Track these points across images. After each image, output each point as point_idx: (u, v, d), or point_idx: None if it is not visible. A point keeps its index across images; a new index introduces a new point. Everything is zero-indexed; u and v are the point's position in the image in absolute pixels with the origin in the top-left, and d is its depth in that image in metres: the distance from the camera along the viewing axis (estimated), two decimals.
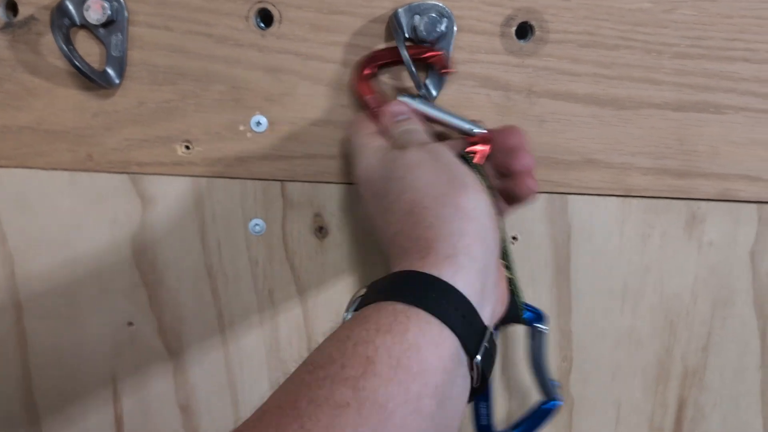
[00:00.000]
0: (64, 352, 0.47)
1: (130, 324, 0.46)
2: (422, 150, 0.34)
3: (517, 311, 0.37)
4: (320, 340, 0.45)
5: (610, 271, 0.45)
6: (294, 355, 0.47)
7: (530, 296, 0.45)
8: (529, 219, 0.44)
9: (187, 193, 0.44)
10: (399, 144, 0.36)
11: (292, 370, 0.44)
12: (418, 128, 0.37)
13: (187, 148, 0.43)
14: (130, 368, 0.47)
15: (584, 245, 0.44)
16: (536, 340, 0.41)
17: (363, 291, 0.29)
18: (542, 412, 0.44)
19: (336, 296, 0.45)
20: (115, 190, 0.44)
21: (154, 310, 0.46)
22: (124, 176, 0.44)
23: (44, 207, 0.45)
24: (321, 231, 0.44)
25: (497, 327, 0.38)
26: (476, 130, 0.39)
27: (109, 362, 0.47)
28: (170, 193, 0.44)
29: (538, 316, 0.41)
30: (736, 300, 0.45)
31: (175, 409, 0.48)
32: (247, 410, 0.46)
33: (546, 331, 0.41)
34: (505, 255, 0.37)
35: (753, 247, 0.44)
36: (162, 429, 0.49)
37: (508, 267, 0.37)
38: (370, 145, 0.36)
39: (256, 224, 0.44)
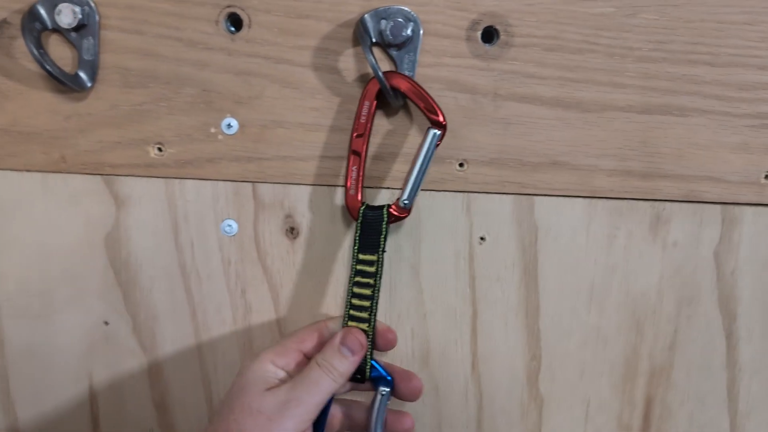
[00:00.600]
0: (40, 351, 0.48)
1: (106, 323, 0.48)
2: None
3: (364, 370, 0.40)
4: None
5: (576, 271, 0.46)
6: None
7: (498, 296, 0.47)
8: (497, 220, 0.45)
9: (159, 194, 0.45)
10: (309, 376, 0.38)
11: None
12: (346, 372, 0.39)
13: (160, 150, 0.44)
14: (106, 367, 0.49)
15: (551, 245, 0.46)
16: (379, 403, 0.41)
17: None
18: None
19: (307, 295, 0.47)
20: (89, 191, 0.45)
21: (129, 309, 0.48)
22: (98, 177, 0.45)
23: (18, 208, 0.46)
24: (292, 232, 0.46)
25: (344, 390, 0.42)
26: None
27: (84, 361, 0.49)
28: (143, 194, 0.45)
29: (384, 379, 0.41)
30: (701, 299, 0.47)
31: (150, 406, 0.50)
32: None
33: (388, 396, 0.41)
34: (370, 304, 0.41)
35: (717, 247, 0.46)
36: (138, 426, 0.50)
37: (370, 318, 0.41)
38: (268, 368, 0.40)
39: (228, 225, 0.45)
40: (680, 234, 0.46)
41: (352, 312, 0.41)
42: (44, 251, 0.46)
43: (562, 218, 0.45)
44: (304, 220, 0.46)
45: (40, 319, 0.48)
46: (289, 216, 0.46)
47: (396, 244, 0.46)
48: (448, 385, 0.48)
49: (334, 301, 0.47)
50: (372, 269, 0.41)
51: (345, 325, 0.41)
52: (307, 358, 0.41)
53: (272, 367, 0.39)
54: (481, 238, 0.46)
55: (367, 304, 0.41)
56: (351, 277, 0.41)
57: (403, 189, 0.40)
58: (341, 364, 0.39)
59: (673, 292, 0.47)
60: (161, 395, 0.49)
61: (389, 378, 0.41)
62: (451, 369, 0.48)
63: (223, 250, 0.46)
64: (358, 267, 0.41)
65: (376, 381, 0.41)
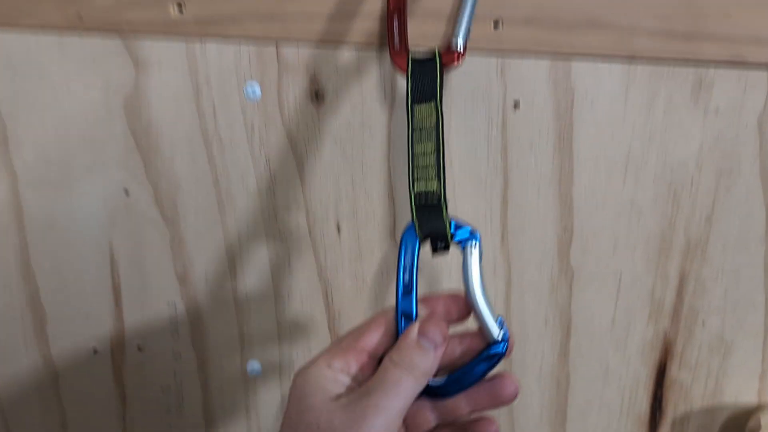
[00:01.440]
0: (59, 221, 0.56)
1: (126, 192, 0.55)
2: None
3: (443, 231, 0.40)
4: (317, 208, 0.54)
5: (613, 139, 0.53)
6: (291, 224, 0.56)
7: (531, 164, 0.53)
8: (532, 84, 0.51)
9: (180, 57, 0.52)
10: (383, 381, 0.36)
11: (289, 238, 0.53)
12: (430, 369, 0.38)
13: (180, 8, 0.50)
14: (127, 238, 0.57)
15: (587, 111, 0.52)
16: (471, 259, 0.40)
17: None
18: (482, 361, 0.40)
19: (333, 164, 0.54)
20: (107, 53, 0.52)
21: (150, 178, 0.55)
22: (116, 40, 0.51)
23: (34, 72, 0.53)
24: (317, 96, 0.52)
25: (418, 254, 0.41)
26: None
27: (105, 232, 0.57)
28: (163, 57, 0.52)
29: (470, 234, 0.41)
30: (741, 169, 0.53)
31: (173, 278, 0.58)
32: (244, 279, 0.55)
33: (480, 250, 0.41)
34: (437, 161, 0.41)
35: (761, 115, 0.52)
36: (160, 299, 0.59)
37: (439, 173, 0.40)
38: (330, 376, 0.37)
39: (252, 89, 0.52)
40: (723, 100, 0.51)
41: (416, 174, 0.41)
42: (62, 117, 0.53)
43: (600, 82, 0.51)
44: (330, 84, 0.52)
45: (59, 187, 0.55)
46: (314, 79, 0.52)
47: None
48: None
49: (360, 170, 0.54)
50: (432, 121, 0.41)
51: (411, 188, 0.41)
52: (373, 358, 0.39)
53: (330, 371, 0.37)
54: (515, 104, 0.52)
55: (432, 160, 0.40)
56: (409, 136, 0.41)
57: (455, 25, 0.43)
58: (423, 360, 0.36)
59: (712, 161, 0.53)
60: (184, 267, 0.58)
61: (476, 232, 0.41)
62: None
63: (246, 116, 0.53)
64: (416, 122, 0.41)
65: (462, 240, 0.41)
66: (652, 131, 0.52)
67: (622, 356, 0.59)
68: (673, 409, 0.60)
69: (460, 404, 0.41)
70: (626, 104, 0.51)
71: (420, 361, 0.37)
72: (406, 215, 0.54)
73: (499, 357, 0.40)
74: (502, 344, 0.40)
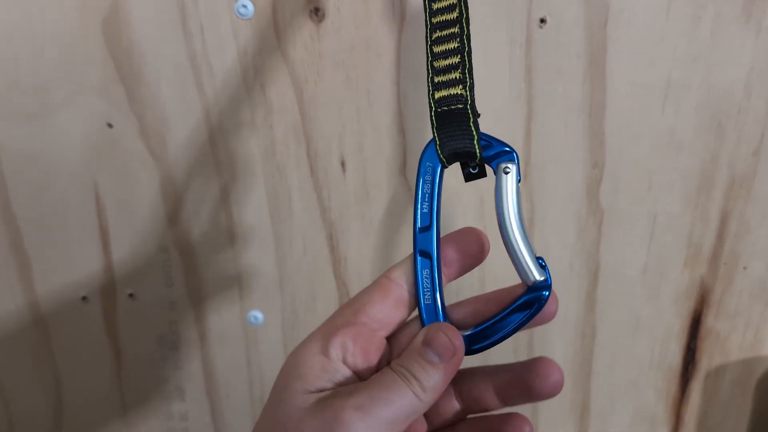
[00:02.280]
0: (39, 158, 0.51)
1: (109, 125, 0.50)
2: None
3: (470, 148, 0.32)
4: (319, 142, 0.48)
5: (651, 62, 0.46)
6: (291, 160, 0.50)
7: (558, 92, 0.47)
8: None
9: None
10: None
11: (288, 176, 0.47)
12: (435, 387, 0.30)
13: None
14: (113, 176, 0.52)
15: (623, 30, 0.45)
16: (507, 184, 0.32)
17: None
18: (518, 310, 0.32)
19: (336, 90, 0.48)
20: None
21: (134, 108, 0.49)
22: None
23: None
24: (317, 13, 0.46)
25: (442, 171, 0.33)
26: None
27: (88, 169, 0.51)
28: None
29: (505, 152, 0.33)
30: None
31: (164, 220, 0.53)
32: (241, 221, 0.50)
33: (516, 173, 0.32)
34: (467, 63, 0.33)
35: None
36: (151, 243, 0.54)
37: (464, 76, 0.33)
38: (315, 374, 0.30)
39: (243, 5, 0.46)
40: None
41: (437, 78, 0.34)
42: (35, 40, 0.47)
43: None
44: None
45: (36, 120, 0.50)
46: None
47: None
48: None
49: (366, 99, 0.48)
50: (454, 14, 0.33)
51: (431, 97, 0.33)
52: (379, 338, 0.32)
53: (320, 359, 0.30)
54: (542, 21, 0.45)
55: (456, 60, 0.33)
56: (427, 36, 0.34)
57: None
58: (427, 376, 0.29)
59: (763, 87, 0.46)
60: (175, 208, 0.52)
61: (511, 150, 0.32)
62: None
63: (237, 37, 0.47)
64: (434, 20, 0.34)
65: (494, 160, 0.33)
66: (696, 53, 0.46)
67: (654, 305, 0.53)
68: (707, 361, 0.55)
69: (488, 394, 0.34)
70: (667, 21, 0.45)
71: (423, 375, 0.29)
72: (418, 150, 0.48)
73: (539, 304, 0.32)
74: (543, 291, 0.32)
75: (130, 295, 0.55)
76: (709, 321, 0.54)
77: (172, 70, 0.48)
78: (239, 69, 0.47)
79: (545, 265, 0.32)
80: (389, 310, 0.32)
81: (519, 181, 0.32)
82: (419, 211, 0.33)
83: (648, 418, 0.58)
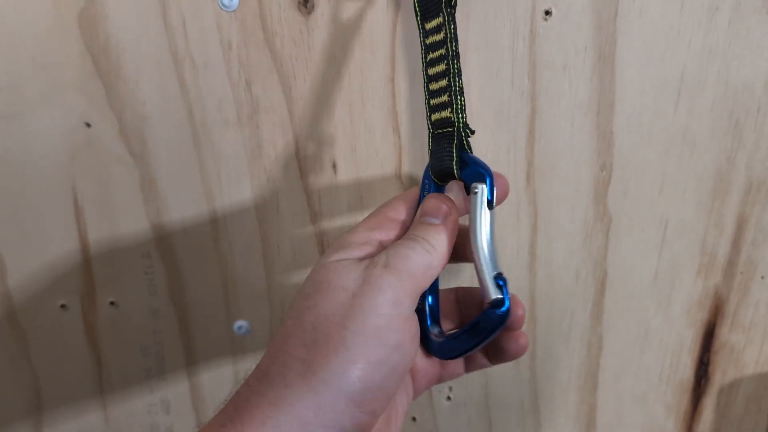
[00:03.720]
0: (14, 159, 0.48)
1: (87, 125, 0.46)
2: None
3: (451, 168, 0.36)
4: (309, 144, 0.45)
5: (665, 56, 0.43)
6: (279, 161, 0.47)
7: (564, 88, 0.44)
8: None
9: None
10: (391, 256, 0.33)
11: (277, 178, 0.44)
12: (439, 244, 0.35)
13: None
14: (92, 179, 0.48)
15: (635, 22, 0.42)
16: (473, 206, 0.34)
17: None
18: (485, 322, 0.34)
19: (326, 88, 0.44)
20: None
21: (113, 106, 0.46)
22: None
23: None
24: (306, 4, 0.42)
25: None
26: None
27: (66, 171, 0.48)
28: None
29: (478, 174, 0.35)
30: None
31: (146, 225, 0.49)
32: (226, 224, 0.47)
33: (488, 193, 0.34)
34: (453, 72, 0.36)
35: None
36: (133, 250, 0.50)
37: (451, 99, 0.36)
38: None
39: None
40: None
41: (432, 101, 0.37)
42: (7, 35, 0.44)
43: None
44: None
45: (10, 118, 0.46)
46: None
47: None
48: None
49: (359, 96, 0.45)
50: (440, 35, 0.36)
51: (428, 121, 0.37)
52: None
53: (364, 234, 0.35)
54: (547, 12, 0.42)
55: (444, 83, 0.36)
56: (423, 58, 0.37)
57: None
58: (432, 235, 0.34)
59: None
60: (157, 212, 0.49)
61: (484, 171, 0.34)
62: None
63: (221, 30, 0.43)
64: (428, 41, 0.36)
65: (470, 179, 0.35)
66: (713, 46, 0.42)
67: (664, 316, 0.50)
68: (721, 375, 0.52)
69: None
70: (682, 12, 0.41)
71: (428, 235, 0.34)
72: (413, 151, 0.45)
73: (494, 325, 0.34)
74: (496, 309, 0.34)
75: (111, 303, 0.52)
76: (723, 333, 0.50)
77: (152, 66, 0.44)
78: (224, 64, 0.44)
79: (503, 284, 0.34)
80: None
81: (490, 200, 0.34)
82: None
83: None
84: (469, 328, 0.35)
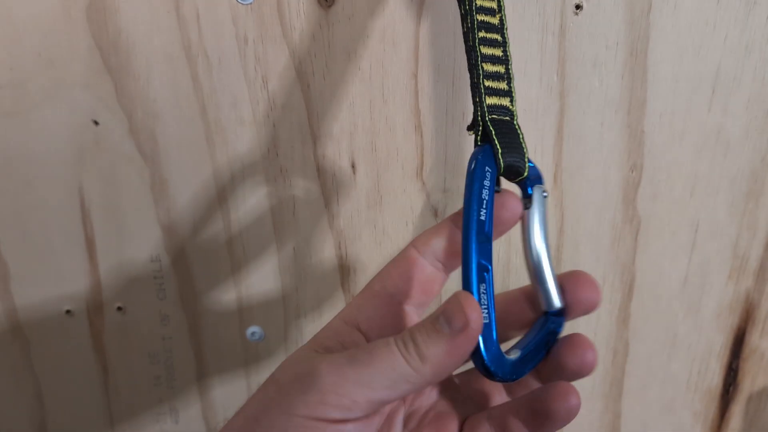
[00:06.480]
0: (18, 158, 0.46)
1: (95, 123, 0.45)
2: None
3: (523, 164, 0.31)
4: (328, 142, 0.44)
5: (699, 52, 0.41)
6: (296, 161, 0.45)
7: (594, 85, 0.42)
8: None
9: None
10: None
11: (293, 179, 0.42)
12: (435, 360, 0.27)
13: None
14: (99, 179, 0.47)
15: (669, 17, 0.41)
16: (540, 211, 0.32)
17: None
18: (546, 336, 0.31)
19: (346, 85, 0.43)
20: None
21: (123, 104, 0.44)
22: None
23: None
24: None
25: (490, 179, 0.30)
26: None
27: (73, 171, 0.46)
28: None
29: (539, 176, 0.32)
30: None
31: (155, 227, 0.48)
32: (241, 230, 0.45)
33: (545, 196, 0.32)
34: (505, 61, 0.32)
35: None
36: (141, 252, 0.49)
37: (510, 87, 0.32)
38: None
39: None
40: None
41: (488, 83, 0.31)
42: (11, 29, 0.43)
43: None
44: None
45: (14, 116, 0.45)
46: None
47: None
48: None
49: (380, 92, 0.43)
50: (495, 19, 0.32)
51: (481, 102, 0.31)
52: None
53: (338, 322, 0.31)
54: (577, 6, 0.41)
55: (503, 69, 0.32)
56: (471, 33, 0.32)
57: None
58: (429, 343, 0.26)
59: None
60: (167, 213, 0.47)
61: (540, 174, 0.32)
62: None
63: (237, 24, 0.42)
64: (479, 17, 0.31)
65: (532, 181, 0.32)
66: (750, 42, 0.41)
67: (693, 321, 0.49)
68: (750, 382, 0.50)
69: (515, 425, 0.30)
70: (719, 6, 0.40)
71: (423, 340, 0.26)
72: (436, 151, 0.43)
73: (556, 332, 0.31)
74: (562, 317, 0.31)
75: (119, 308, 0.51)
76: (754, 339, 0.49)
77: (164, 61, 0.43)
78: (239, 60, 0.43)
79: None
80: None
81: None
82: (475, 217, 0.29)
83: None
84: (539, 338, 0.30)
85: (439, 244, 0.31)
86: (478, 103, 0.31)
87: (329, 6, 0.41)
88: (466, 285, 0.28)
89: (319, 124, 0.44)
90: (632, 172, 0.45)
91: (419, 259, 0.31)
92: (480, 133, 0.31)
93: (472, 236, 0.29)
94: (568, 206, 0.46)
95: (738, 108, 0.43)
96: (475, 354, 0.28)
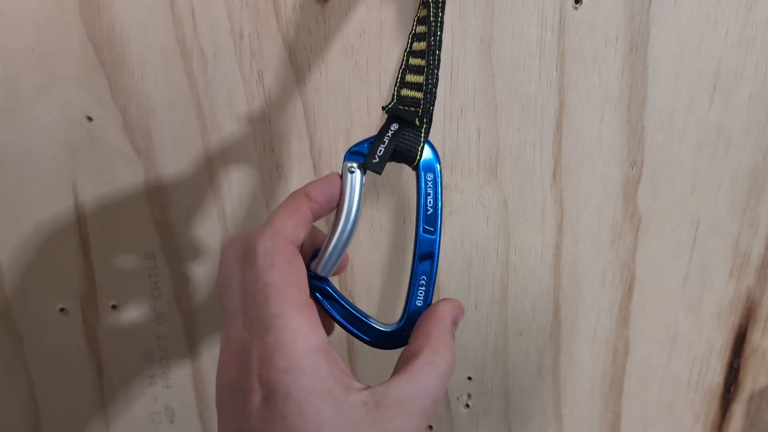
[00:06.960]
0: (10, 155, 0.46)
1: (89, 119, 0.45)
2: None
3: (416, 144, 0.34)
4: (324, 138, 0.43)
5: (700, 48, 0.41)
6: (292, 157, 0.45)
7: (594, 81, 0.42)
8: None
9: None
10: None
11: (290, 175, 0.42)
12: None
13: None
14: (93, 176, 0.46)
15: (669, 11, 0.40)
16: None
17: None
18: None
19: (343, 80, 0.43)
20: None
21: (117, 100, 0.44)
22: None
23: None
24: None
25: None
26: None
27: (66, 168, 0.46)
28: None
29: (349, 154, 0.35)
30: None
31: (150, 225, 0.47)
32: (235, 223, 0.45)
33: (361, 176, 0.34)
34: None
35: None
36: (136, 250, 0.48)
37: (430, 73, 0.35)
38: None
39: None
40: None
41: (408, 77, 0.36)
42: (4, 24, 0.42)
43: None
44: None
45: (6, 112, 0.44)
46: None
47: (461, 9, 0.41)
48: (521, 201, 0.45)
49: (377, 89, 0.43)
50: (423, 28, 0.35)
51: (395, 99, 0.35)
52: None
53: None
54: (577, 1, 0.40)
55: (422, 63, 0.35)
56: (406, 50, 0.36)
57: None
58: (450, 346, 0.32)
59: None
60: (162, 211, 0.47)
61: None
62: (526, 180, 0.44)
63: (232, 19, 0.42)
64: (417, 29, 0.36)
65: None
66: (752, 37, 0.41)
67: (694, 319, 0.48)
68: (751, 381, 0.50)
69: None
70: (720, 2, 0.40)
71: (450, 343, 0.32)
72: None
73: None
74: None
75: (113, 306, 0.50)
76: (755, 337, 0.49)
77: (158, 56, 0.43)
78: (234, 55, 0.42)
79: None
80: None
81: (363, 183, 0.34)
82: (422, 208, 0.35)
83: None
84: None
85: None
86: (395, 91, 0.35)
87: (325, 0, 0.41)
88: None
89: (315, 119, 0.44)
90: (632, 168, 0.44)
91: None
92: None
93: (419, 228, 0.35)
94: (567, 203, 0.45)
95: (739, 104, 0.42)
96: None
